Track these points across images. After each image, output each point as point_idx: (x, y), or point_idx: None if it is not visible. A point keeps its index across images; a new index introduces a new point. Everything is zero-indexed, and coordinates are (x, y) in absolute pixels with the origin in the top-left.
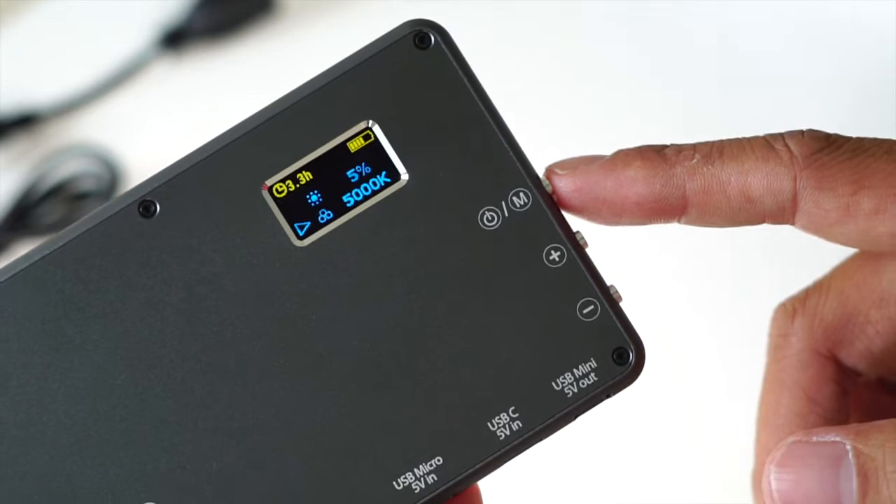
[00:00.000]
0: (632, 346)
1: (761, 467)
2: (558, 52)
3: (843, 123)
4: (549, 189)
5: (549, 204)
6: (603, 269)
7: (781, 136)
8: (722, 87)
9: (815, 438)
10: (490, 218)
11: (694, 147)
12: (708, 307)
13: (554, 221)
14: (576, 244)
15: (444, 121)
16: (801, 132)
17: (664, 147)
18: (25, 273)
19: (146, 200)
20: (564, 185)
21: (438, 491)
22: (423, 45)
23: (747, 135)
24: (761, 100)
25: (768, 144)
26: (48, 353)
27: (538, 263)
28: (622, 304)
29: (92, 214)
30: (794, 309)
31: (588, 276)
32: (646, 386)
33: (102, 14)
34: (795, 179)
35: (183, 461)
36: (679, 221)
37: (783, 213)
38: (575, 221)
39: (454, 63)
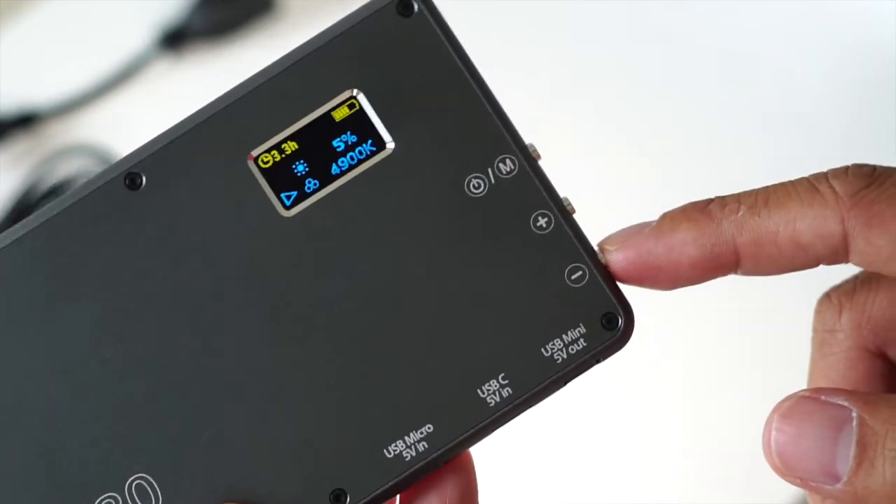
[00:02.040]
0: (621, 312)
1: None
2: (555, 49)
3: (843, 123)
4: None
5: (536, 169)
6: (591, 234)
7: (825, 175)
8: (721, 86)
9: (823, 398)
10: (477, 185)
11: (738, 199)
12: None
13: (541, 187)
14: (563, 210)
15: (430, 89)
16: (845, 169)
17: (708, 203)
18: (12, 247)
19: (132, 172)
20: (617, 260)
21: (429, 459)
22: (406, 12)
23: (748, 133)
24: (761, 101)
25: (812, 187)
26: (36, 326)
27: (525, 229)
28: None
29: (78, 188)
30: (840, 303)
31: (576, 241)
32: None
33: (102, 14)
34: (843, 220)
35: (174, 431)
36: (736, 273)
37: (836, 255)
38: (562, 188)
39: (438, 30)
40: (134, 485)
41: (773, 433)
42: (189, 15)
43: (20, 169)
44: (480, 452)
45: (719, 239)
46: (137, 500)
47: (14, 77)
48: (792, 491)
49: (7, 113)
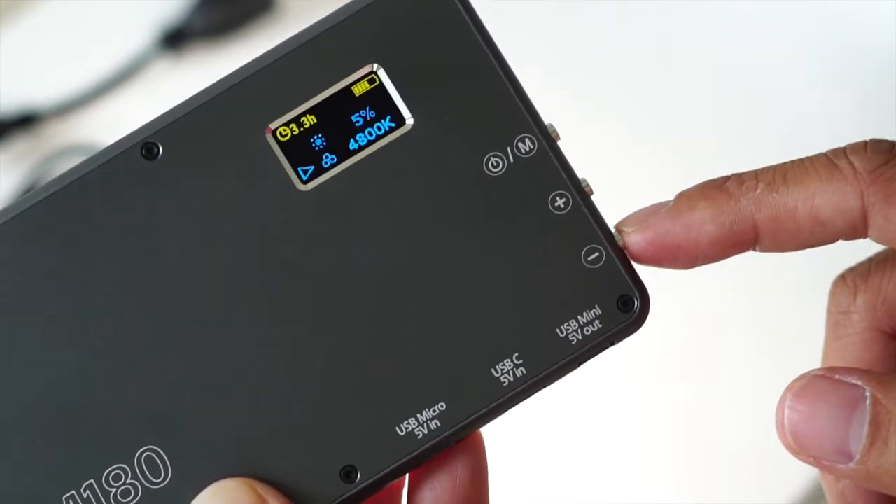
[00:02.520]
0: (637, 294)
1: None
2: (574, 39)
3: (844, 122)
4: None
5: (555, 150)
6: (608, 217)
7: (843, 151)
8: (721, 82)
9: (837, 377)
10: (495, 164)
11: (756, 175)
12: None
13: (559, 168)
14: (581, 191)
15: (450, 66)
16: (864, 144)
17: (725, 180)
18: (28, 213)
19: (149, 142)
20: (636, 242)
21: (441, 437)
22: None
23: (750, 130)
24: (761, 97)
25: (831, 163)
26: (50, 293)
27: (543, 210)
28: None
29: (95, 156)
30: (854, 285)
31: (593, 222)
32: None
33: (102, 14)
34: (862, 196)
35: (184, 404)
36: (755, 250)
37: (855, 231)
38: (580, 169)
39: (460, 7)
40: (143, 457)
41: (787, 412)
42: (189, 15)
43: (20, 169)
44: (490, 436)
45: (738, 216)
46: (147, 472)
47: (14, 77)
48: (795, 490)
49: (7, 113)
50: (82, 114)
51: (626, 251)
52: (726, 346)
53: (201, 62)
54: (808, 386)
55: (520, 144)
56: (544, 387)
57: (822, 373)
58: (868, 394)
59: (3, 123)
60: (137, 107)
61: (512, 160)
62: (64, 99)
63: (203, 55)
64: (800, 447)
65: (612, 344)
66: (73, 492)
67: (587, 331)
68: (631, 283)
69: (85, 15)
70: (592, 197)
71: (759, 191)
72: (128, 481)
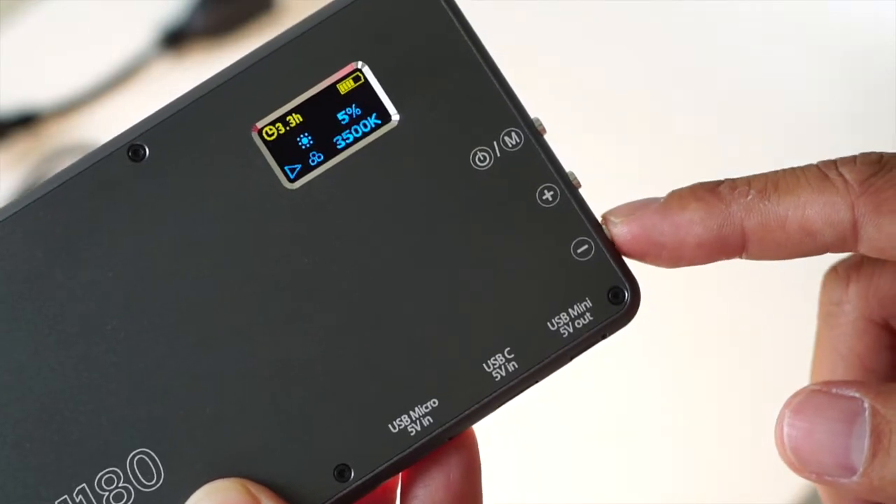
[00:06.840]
0: (627, 286)
1: None
2: (561, 30)
3: (844, 124)
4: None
5: (542, 143)
6: (596, 210)
7: (834, 163)
8: (712, 77)
9: (834, 390)
10: (482, 158)
11: (748, 182)
12: None
13: (546, 161)
14: (569, 184)
15: (435, 62)
16: (854, 158)
17: (718, 184)
18: (15, 218)
19: (135, 144)
20: (622, 233)
21: (434, 433)
22: None
23: (739, 126)
24: (750, 92)
25: (822, 174)
26: (38, 298)
27: (531, 203)
28: None
29: (81, 159)
30: (847, 276)
31: (582, 215)
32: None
33: (102, 14)
34: (853, 207)
35: (176, 406)
36: (741, 257)
37: (844, 243)
38: (567, 161)
39: (443, 4)
40: (136, 460)
41: (786, 429)
42: (189, 15)
43: (20, 168)
44: (484, 434)
45: (727, 221)
46: (139, 475)
47: (14, 77)
48: (794, 491)
49: (7, 113)
50: (82, 114)
51: (612, 241)
52: (719, 338)
53: (201, 62)
54: (805, 401)
55: (506, 138)
56: (537, 381)
57: (818, 387)
58: (867, 405)
59: (3, 123)
60: (137, 107)
61: (499, 154)
62: (64, 99)
63: (203, 55)
64: (801, 464)
65: (604, 337)
66: (66, 496)
67: (578, 324)
68: (621, 275)
69: (85, 15)
70: (580, 190)
71: (750, 197)
72: (120, 484)
